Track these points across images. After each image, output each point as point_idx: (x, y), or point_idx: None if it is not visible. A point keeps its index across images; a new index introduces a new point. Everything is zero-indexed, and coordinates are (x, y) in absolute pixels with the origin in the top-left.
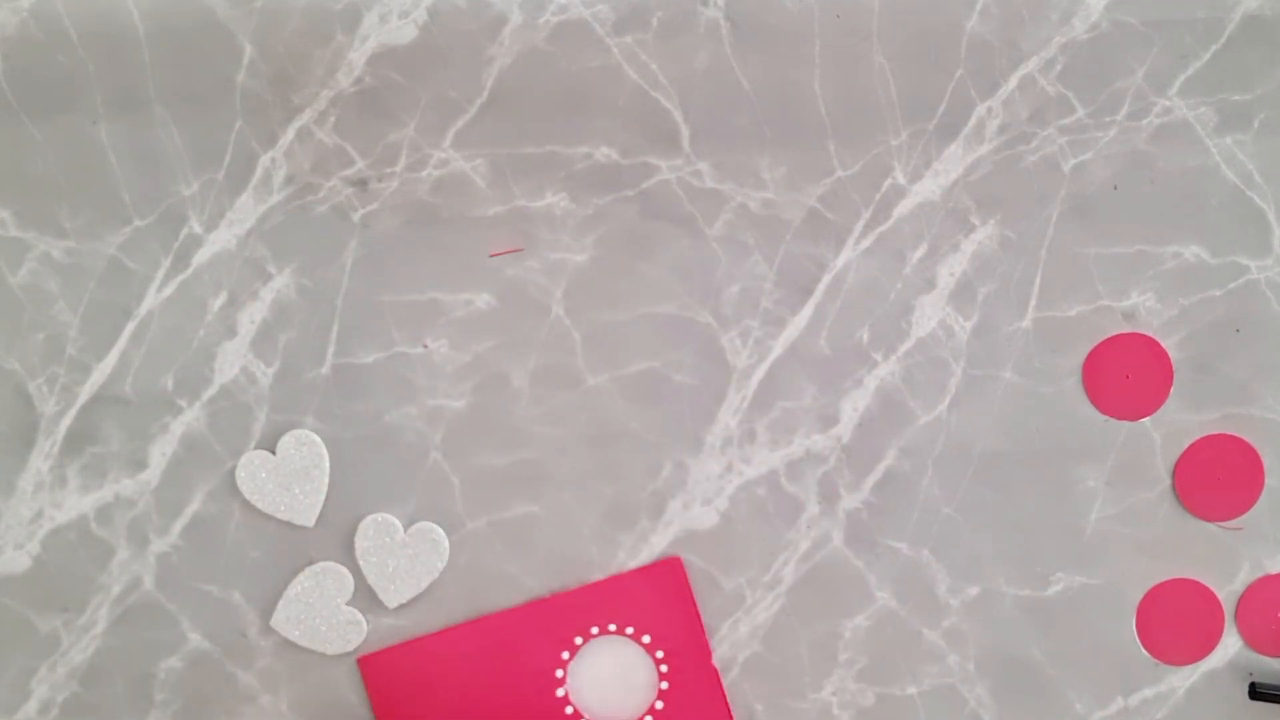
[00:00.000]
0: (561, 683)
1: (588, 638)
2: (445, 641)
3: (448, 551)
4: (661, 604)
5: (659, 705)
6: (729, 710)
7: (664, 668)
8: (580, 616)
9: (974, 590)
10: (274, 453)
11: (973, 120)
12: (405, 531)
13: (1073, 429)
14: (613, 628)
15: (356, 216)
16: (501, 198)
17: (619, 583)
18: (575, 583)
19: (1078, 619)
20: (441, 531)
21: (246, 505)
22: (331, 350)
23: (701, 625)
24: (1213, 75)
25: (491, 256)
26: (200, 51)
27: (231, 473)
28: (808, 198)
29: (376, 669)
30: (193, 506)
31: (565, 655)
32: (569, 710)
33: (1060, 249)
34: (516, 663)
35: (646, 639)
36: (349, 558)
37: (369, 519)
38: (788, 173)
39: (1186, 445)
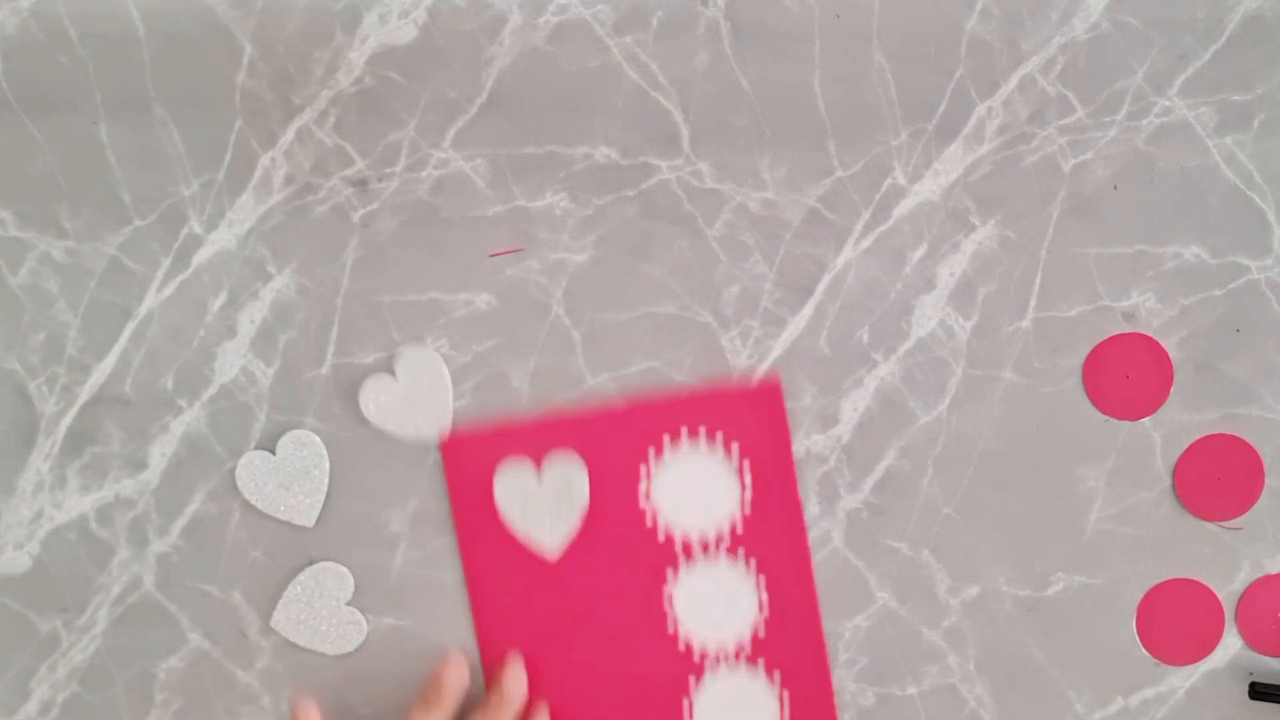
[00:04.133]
0: (645, 487)
1: (676, 443)
2: (531, 433)
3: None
4: (755, 422)
5: (739, 525)
6: (805, 537)
7: (747, 477)
8: (669, 422)
9: (974, 590)
10: (274, 453)
11: (973, 120)
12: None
13: (1073, 429)
14: (702, 432)
15: (356, 216)
16: (501, 198)
17: (714, 397)
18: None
19: (1078, 619)
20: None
21: (246, 505)
22: (331, 350)
23: (790, 450)
24: (1213, 75)
25: (491, 256)
26: (200, 51)
27: (231, 473)
28: (808, 198)
29: (457, 452)
30: (193, 506)
31: (654, 458)
32: (648, 514)
33: (1060, 249)
34: (601, 463)
35: (735, 451)
36: (349, 557)
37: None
38: (788, 173)
39: (1186, 445)
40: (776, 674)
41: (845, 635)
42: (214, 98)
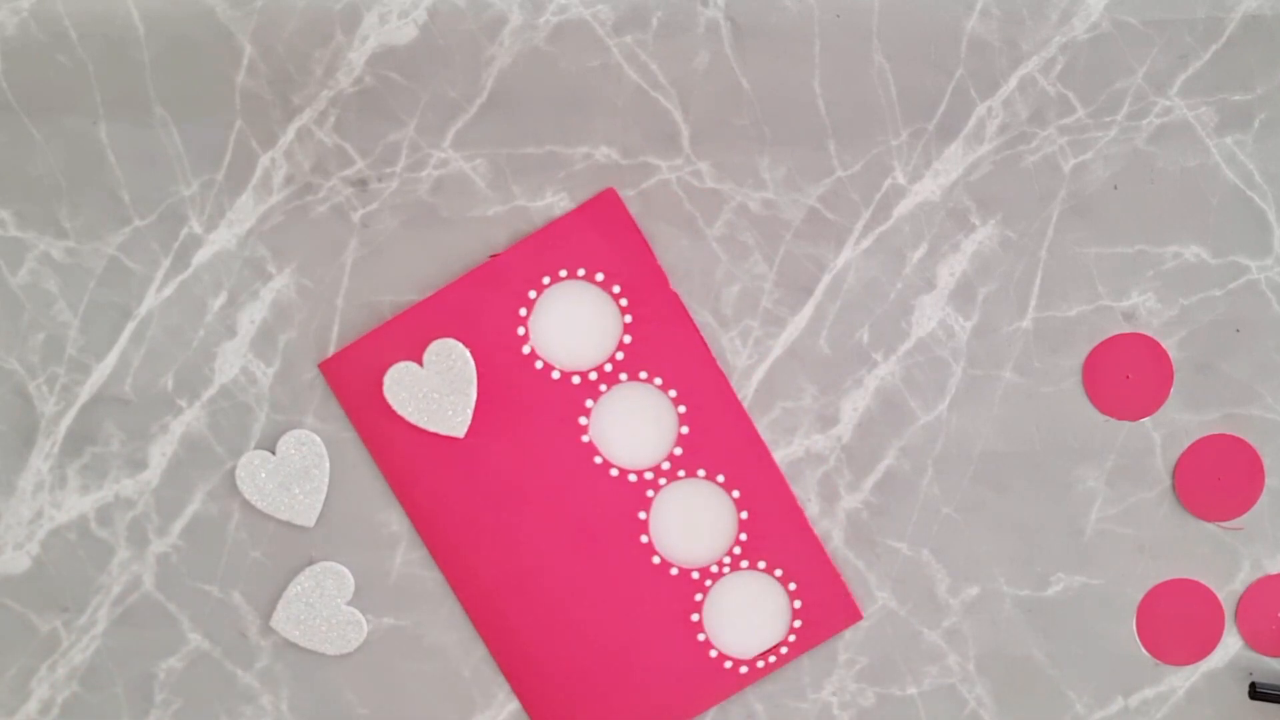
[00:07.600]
0: (525, 340)
1: (541, 290)
2: (402, 326)
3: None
4: (607, 240)
5: (627, 340)
6: (697, 331)
7: (624, 301)
8: (530, 269)
9: (974, 590)
10: (274, 453)
11: (973, 120)
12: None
13: (1073, 429)
14: (564, 274)
15: (356, 216)
16: (501, 198)
17: (560, 227)
18: None
19: (1078, 619)
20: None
21: (246, 505)
22: (331, 350)
23: (651, 251)
24: (1213, 75)
25: (491, 257)
26: (200, 51)
27: (231, 473)
28: (808, 198)
29: (339, 370)
30: (193, 506)
31: (523, 312)
32: (538, 365)
33: (1060, 249)
34: (476, 331)
35: (600, 277)
36: (349, 557)
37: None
38: (788, 173)
39: (1186, 445)
40: (720, 478)
41: (845, 635)
42: (214, 98)
